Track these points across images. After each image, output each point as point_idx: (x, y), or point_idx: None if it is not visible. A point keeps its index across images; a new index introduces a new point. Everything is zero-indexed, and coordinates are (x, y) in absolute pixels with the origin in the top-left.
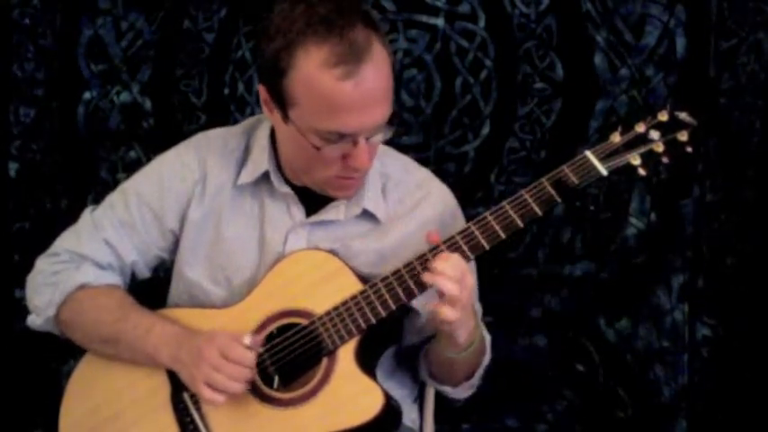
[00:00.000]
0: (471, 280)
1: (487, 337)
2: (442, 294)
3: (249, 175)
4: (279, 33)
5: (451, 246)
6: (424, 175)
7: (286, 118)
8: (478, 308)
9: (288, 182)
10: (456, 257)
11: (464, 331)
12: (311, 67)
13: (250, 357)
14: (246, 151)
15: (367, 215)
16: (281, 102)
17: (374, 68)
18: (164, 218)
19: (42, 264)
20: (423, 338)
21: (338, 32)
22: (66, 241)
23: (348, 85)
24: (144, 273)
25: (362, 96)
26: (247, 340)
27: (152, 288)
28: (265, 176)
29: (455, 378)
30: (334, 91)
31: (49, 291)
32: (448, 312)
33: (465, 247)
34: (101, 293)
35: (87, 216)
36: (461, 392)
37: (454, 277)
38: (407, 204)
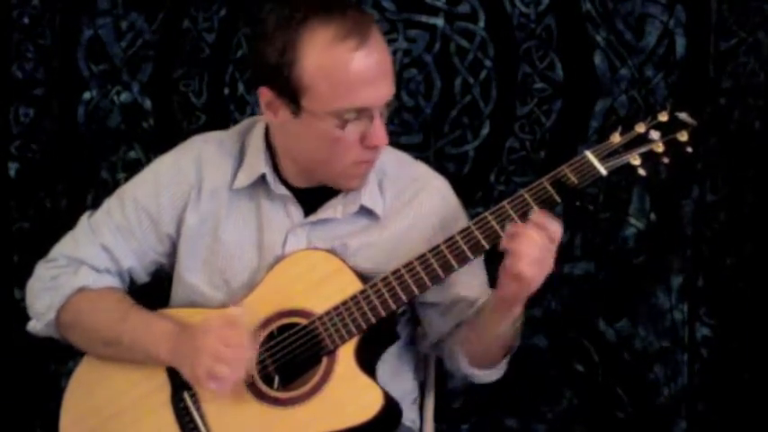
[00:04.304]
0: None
1: None
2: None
3: (245, 178)
4: (277, 32)
5: (451, 245)
6: (420, 168)
7: (298, 111)
8: None
9: (284, 183)
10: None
11: (524, 300)
12: (322, 47)
13: (245, 337)
14: (241, 154)
15: (365, 211)
16: (292, 94)
17: (378, 41)
18: (160, 222)
19: (41, 270)
20: (452, 326)
21: (339, 11)
22: (63, 247)
23: (361, 54)
24: (142, 278)
25: (376, 65)
26: (236, 311)
27: (153, 292)
28: (262, 179)
29: (495, 357)
30: (349, 62)
31: (48, 295)
32: (525, 269)
33: (465, 247)
34: (100, 296)
35: (85, 221)
36: (495, 374)
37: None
38: (405, 198)
